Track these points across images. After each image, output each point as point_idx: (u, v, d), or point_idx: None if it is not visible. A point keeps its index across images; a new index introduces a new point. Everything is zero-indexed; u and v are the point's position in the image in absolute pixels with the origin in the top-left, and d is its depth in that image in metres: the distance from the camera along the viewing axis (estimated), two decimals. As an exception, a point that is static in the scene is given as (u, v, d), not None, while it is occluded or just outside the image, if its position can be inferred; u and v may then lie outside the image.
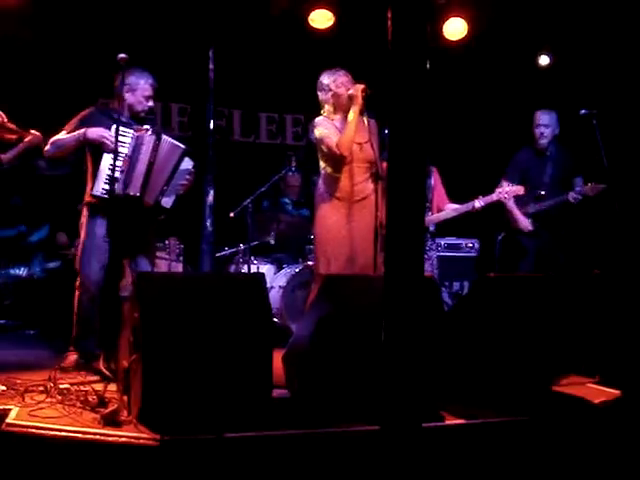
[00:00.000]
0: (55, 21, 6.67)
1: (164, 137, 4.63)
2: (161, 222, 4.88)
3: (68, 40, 6.89)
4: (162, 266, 6.16)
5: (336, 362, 3.50)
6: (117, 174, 4.38)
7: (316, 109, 4.94)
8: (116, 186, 4.38)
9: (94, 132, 4.49)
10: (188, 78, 7.41)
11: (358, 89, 4.61)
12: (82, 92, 6.81)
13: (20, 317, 6.66)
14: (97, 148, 4.52)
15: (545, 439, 3.40)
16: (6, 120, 4.99)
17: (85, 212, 4.64)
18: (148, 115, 4.85)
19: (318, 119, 4.82)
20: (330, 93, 4.78)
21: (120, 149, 4.41)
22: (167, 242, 6.33)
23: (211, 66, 7.19)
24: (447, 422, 3.42)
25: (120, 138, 4.42)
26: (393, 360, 2.43)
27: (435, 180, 5.85)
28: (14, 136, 5.28)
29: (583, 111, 5.43)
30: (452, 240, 7.17)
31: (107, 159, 4.47)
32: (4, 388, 3.75)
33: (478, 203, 5.52)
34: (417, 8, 2.47)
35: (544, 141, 5.82)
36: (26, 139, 5.60)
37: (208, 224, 7.21)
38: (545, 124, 5.79)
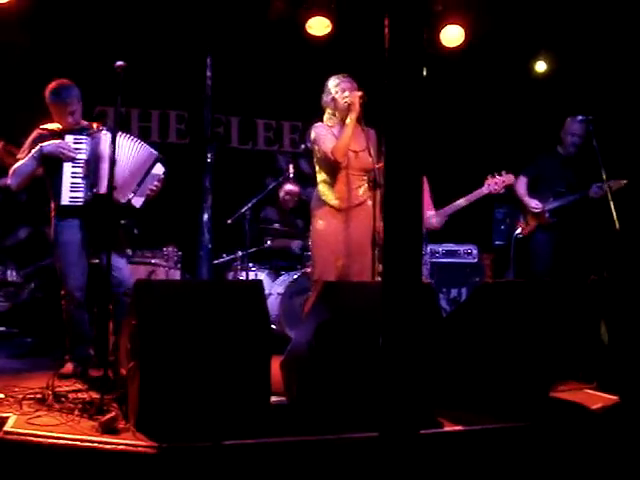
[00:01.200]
0: (52, 29, 6.68)
1: (120, 133, 4.59)
2: (154, 229, 4.89)
3: (65, 48, 6.89)
4: (160, 273, 6.16)
5: (334, 369, 3.50)
6: (79, 180, 4.49)
7: (314, 116, 4.95)
8: (82, 192, 4.49)
9: (50, 144, 4.52)
10: (186, 85, 7.42)
11: (355, 96, 4.62)
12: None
13: (17, 325, 6.65)
14: (53, 161, 4.53)
15: (543, 445, 3.40)
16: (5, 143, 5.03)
17: (54, 223, 4.63)
18: (98, 120, 4.87)
19: (316, 125, 4.84)
20: (330, 97, 4.80)
21: (78, 156, 4.52)
22: (165, 249, 6.33)
23: (209, 73, 7.22)
24: (445, 428, 3.42)
25: (76, 146, 4.53)
26: (391, 366, 2.43)
27: (424, 187, 5.81)
28: (15, 161, 5.29)
29: (580, 117, 5.45)
30: (450, 246, 7.18)
31: (67, 168, 4.53)
32: (2, 396, 3.74)
33: (468, 200, 5.40)
34: (414, 15, 2.48)
35: (574, 149, 5.84)
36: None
37: (206, 231, 7.23)
38: (581, 135, 5.78)
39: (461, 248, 7.22)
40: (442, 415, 3.53)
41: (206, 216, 7.24)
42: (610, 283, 4.60)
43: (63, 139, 4.56)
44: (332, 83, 4.81)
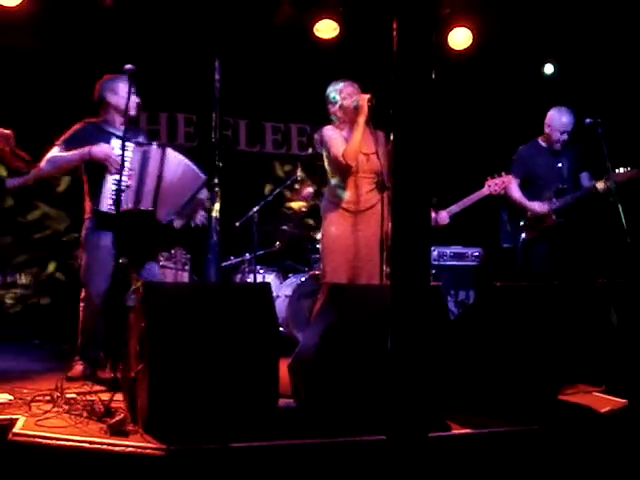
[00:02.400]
0: (61, 32, 6.71)
1: (170, 151, 4.62)
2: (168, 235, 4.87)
3: (74, 51, 6.93)
4: (168, 276, 6.17)
5: (342, 371, 3.50)
6: (123, 189, 4.37)
7: (321, 119, 4.95)
8: (123, 201, 4.37)
9: (100, 151, 4.44)
10: (194, 88, 7.44)
11: (364, 99, 4.61)
12: (87, 103, 6.85)
13: (26, 327, 6.67)
14: (96, 165, 4.46)
15: (551, 448, 3.39)
16: (14, 146, 4.99)
17: (87, 225, 4.58)
18: (134, 125, 4.84)
19: (326, 127, 4.83)
20: (337, 105, 4.79)
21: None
22: (173, 252, 6.35)
23: (217, 76, 7.21)
24: (453, 431, 3.41)
25: (120, 152, 4.37)
26: (399, 369, 2.43)
27: None
28: (23, 164, 5.29)
29: (588, 120, 5.40)
30: (457, 249, 7.18)
31: (109, 175, 4.45)
32: (11, 398, 3.75)
33: (470, 200, 5.37)
34: (422, 18, 2.48)
35: (561, 146, 5.68)
36: (35, 170, 5.63)
37: (214, 233, 7.23)
38: (571, 131, 5.66)
39: (469, 251, 7.21)
40: (450, 418, 3.52)
41: (214, 218, 7.25)
42: (620, 286, 4.58)
43: (109, 142, 4.48)
44: (334, 91, 4.79)
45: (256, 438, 3.12)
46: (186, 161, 4.71)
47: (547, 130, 5.73)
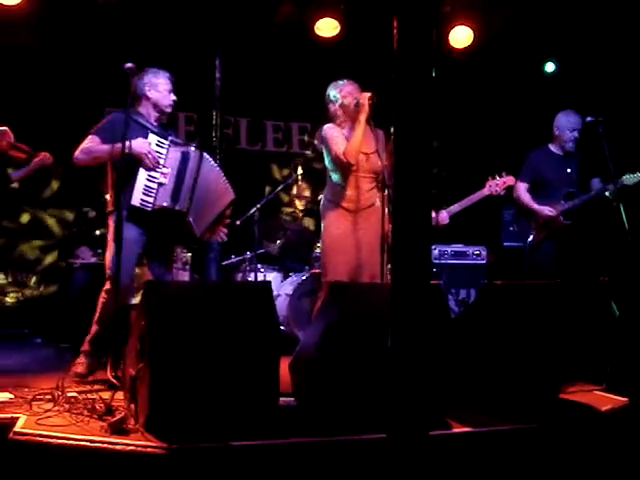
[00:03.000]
0: (62, 31, 6.71)
1: (207, 156, 4.63)
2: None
3: (75, 50, 6.93)
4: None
5: (343, 370, 3.50)
6: (154, 185, 4.38)
7: (322, 117, 4.94)
8: (158, 199, 4.38)
9: (140, 147, 4.38)
10: (195, 87, 7.43)
11: (365, 97, 4.61)
12: (88, 102, 6.86)
13: (27, 325, 6.68)
14: (131, 159, 4.36)
15: (552, 447, 3.39)
16: (13, 140, 4.99)
17: (115, 219, 4.32)
18: (166, 124, 4.83)
19: (326, 126, 4.82)
20: (337, 104, 4.78)
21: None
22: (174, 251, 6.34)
23: (217, 75, 7.24)
24: (454, 430, 3.41)
25: (157, 149, 4.43)
26: (400, 368, 2.44)
27: None
28: (24, 155, 5.30)
29: (589, 118, 5.40)
30: (459, 248, 7.18)
31: (143, 170, 4.41)
32: (12, 396, 3.76)
33: (470, 200, 5.37)
34: (422, 17, 2.48)
35: (573, 145, 5.69)
36: (36, 159, 5.66)
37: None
38: (580, 129, 5.65)
39: (470, 249, 7.21)
40: (451, 416, 3.52)
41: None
42: (620, 284, 4.58)
43: (146, 136, 4.44)
44: (334, 90, 4.78)
45: (257, 437, 3.12)
46: (220, 171, 4.72)
47: (557, 132, 5.75)
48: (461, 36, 6.95)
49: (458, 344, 3.81)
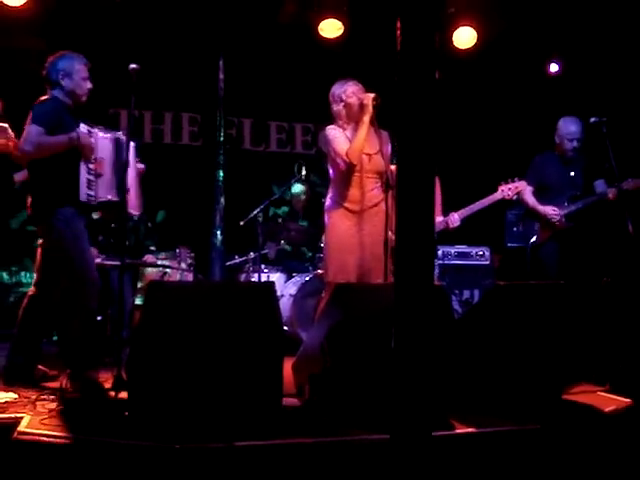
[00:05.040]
0: (66, 32, 6.71)
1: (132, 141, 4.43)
2: (167, 230, 4.82)
3: (79, 51, 6.92)
4: (173, 275, 6.18)
5: (346, 370, 3.50)
6: (92, 178, 4.26)
7: (325, 118, 4.94)
8: (100, 191, 4.26)
9: (84, 137, 4.24)
10: (198, 87, 7.46)
11: (369, 98, 4.61)
12: (93, 103, 6.86)
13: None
14: (72, 152, 4.23)
15: (555, 448, 3.39)
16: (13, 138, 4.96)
17: (65, 215, 4.24)
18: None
19: (330, 127, 4.81)
20: (342, 104, 4.77)
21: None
22: (178, 251, 6.35)
23: (221, 76, 7.26)
24: (457, 430, 3.41)
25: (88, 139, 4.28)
26: (403, 368, 2.43)
27: (436, 190, 5.75)
28: None
29: (593, 119, 5.41)
30: (462, 248, 7.18)
31: (83, 162, 4.26)
32: (16, 396, 3.77)
33: (482, 204, 5.37)
34: (426, 17, 2.48)
35: (573, 154, 5.76)
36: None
37: (218, 233, 7.26)
38: (580, 138, 5.73)
39: (473, 250, 7.21)
40: (454, 417, 3.53)
41: (218, 218, 7.27)
42: (620, 286, 4.58)
43: (78, 125, 4.26)
44: (339, 90, 4.78)
45: (260, 437, 3.13)
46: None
47: (557, 140, 5.84)
48: (465, 37, 6.95)
49: (462, 345, 3.81)
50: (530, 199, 5.77)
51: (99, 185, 4.30)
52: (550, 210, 5.66)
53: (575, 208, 5.64)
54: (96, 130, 4.37)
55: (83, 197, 4.23)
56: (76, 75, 4.40)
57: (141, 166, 4.71)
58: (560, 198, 5.68)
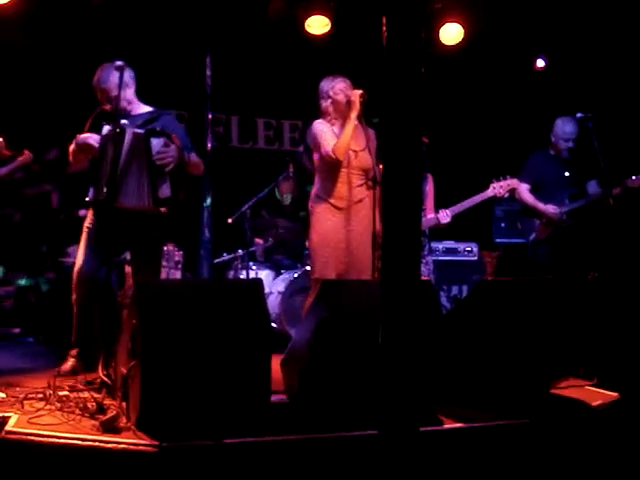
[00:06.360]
0: (52, 28, 6.69)
1: (128, 130, 4.35)
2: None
3: (65, 48, 6.91)
4: (161, 273, 6.15)
5: (334, 367, 3.50)
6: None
7: (313, 115, 4.94)
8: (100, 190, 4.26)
9: (80, 138, 4.32)
10: (185, 85, 7.43)
11: (356, 94, 4.61)
12: (77, 100, 6.83)
13: (19, 324, 6.66)
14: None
15: (543, 442, 3.40)
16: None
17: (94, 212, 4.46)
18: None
19: (317, 122, 4.81)
20: (329, 100, 4.78)
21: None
22: (165, 249, 6.33)
23: (208, 72, 7.23)
24: (445, 426, 3.42)
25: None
26: (391, 364, 2.44)
27: (429, 187, 5.77)
28: (9, 153, 5.32)
29: (579, 114, 5.44)
30: (450, 244, 7.19)
31: (94, 162, 4.32)
32: (4, 395, 3.74)
33: (474, 201, 5.39)
34: (412, 13, 2.48)
35: (568, 154, 5.78)
36: (20, 158, 5.69)
37: (206, 230, 7.25)
38: (575, 138, 5.74)
39: (461, 246, 7.23)
40: (442, 412, 3.53)
41: (206, 215, 7.26)
42: (611, 280, 4.60)
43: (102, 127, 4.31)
44: (327, 86, 4.79)
45: (249, 434, 3.13)
46: (135, 130, 4.51)
47: (553, 139, 5.86)
48: (451, 33, 6.95)
49: (449, 340, 3.82)
50: (529, 197, 5.80)
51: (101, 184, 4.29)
52: (551, 208, 5.70)
53: (577, 205, 5.68)
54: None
55: (89, 197, 4.37)
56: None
57: None
58: (556, 196, 5.71)
